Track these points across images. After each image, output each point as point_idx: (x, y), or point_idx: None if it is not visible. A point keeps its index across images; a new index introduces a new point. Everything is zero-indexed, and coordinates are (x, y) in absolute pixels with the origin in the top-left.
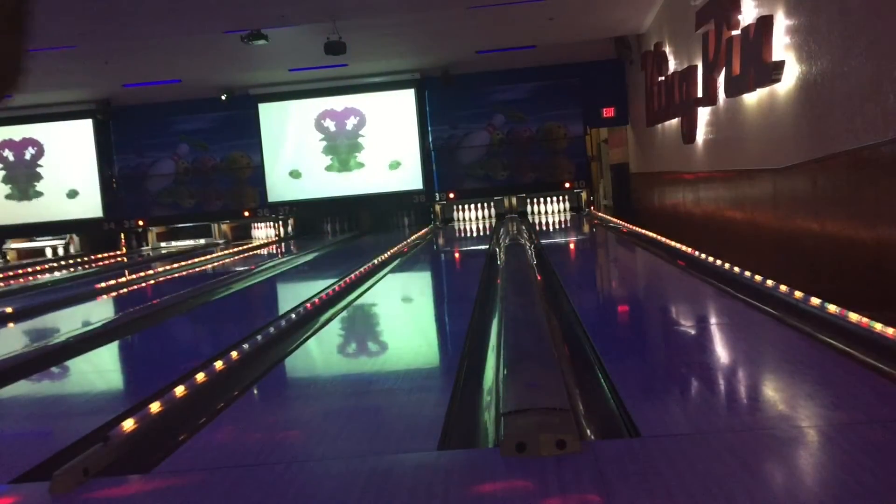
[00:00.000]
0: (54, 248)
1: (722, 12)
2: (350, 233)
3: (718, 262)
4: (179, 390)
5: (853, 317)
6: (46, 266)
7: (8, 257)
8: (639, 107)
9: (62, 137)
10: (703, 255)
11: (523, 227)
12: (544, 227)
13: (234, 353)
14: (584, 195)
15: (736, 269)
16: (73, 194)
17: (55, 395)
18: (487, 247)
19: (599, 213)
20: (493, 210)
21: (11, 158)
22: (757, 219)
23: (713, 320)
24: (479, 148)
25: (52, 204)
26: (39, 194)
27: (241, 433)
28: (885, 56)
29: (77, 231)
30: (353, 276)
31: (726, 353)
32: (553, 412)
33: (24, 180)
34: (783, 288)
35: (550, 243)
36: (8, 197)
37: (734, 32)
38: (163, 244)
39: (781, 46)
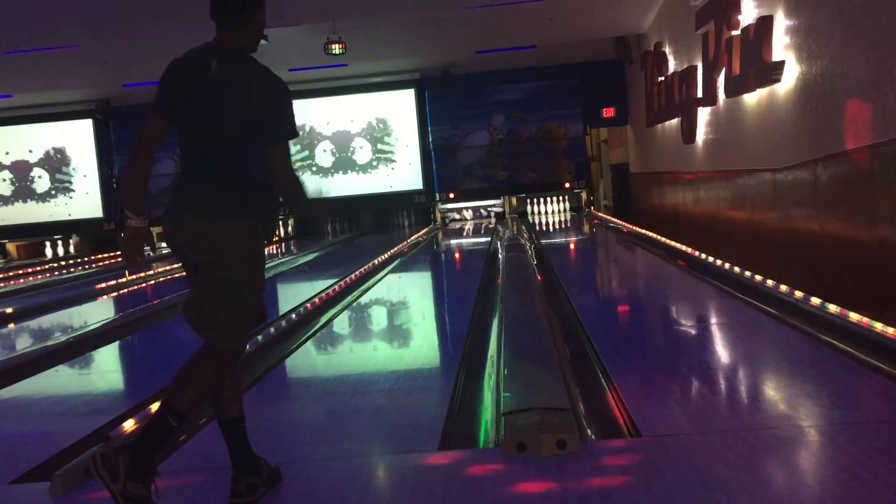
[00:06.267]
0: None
1: (722, 12)
2: (350, 233)
3: (718, 262)
4: None
5: (853, 317)
6: (46, 266)
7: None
8: (639, 107)
9: (62, 137)
10: (703, 255)
11: (523, 227)
12: (544, 227)
13: None
14: (584, 195)
15: (736, 269)
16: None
17: (55, 395)
18: (488, 247)
19: (599, 213)
20: (493, 210)
21: (11, 158)
22: (757, 219)
23: (713, 320)
24: (479, 148)
25: (52, 204)
26: (39, 195)
27: None
28: (884, 56)
29: (77, 231)
30: (353, 276)
31: (726, 353)
32: (553, 412)
33: (24, 180)
34: (783, 288)
35: (550, 243)
36: (7, 197)
37: (734, 32)
38: (163, 244)
39: (781, 46)
